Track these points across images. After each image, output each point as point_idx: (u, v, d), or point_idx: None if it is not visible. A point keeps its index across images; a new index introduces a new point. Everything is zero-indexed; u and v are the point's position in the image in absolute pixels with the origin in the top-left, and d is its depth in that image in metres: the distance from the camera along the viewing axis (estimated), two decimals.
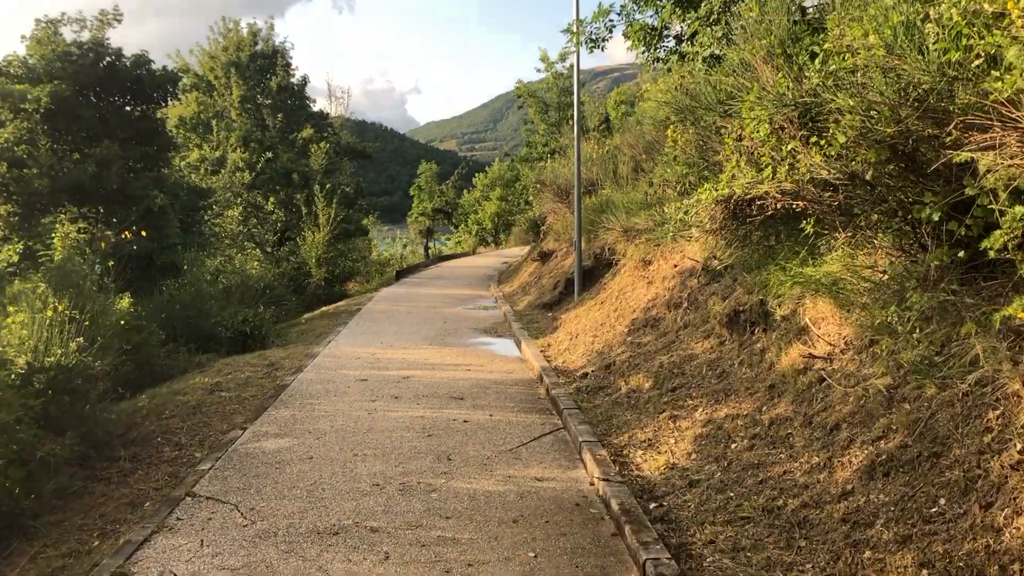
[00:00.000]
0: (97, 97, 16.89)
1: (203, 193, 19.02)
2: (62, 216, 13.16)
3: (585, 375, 10.36)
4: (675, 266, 11.18)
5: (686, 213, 8.26)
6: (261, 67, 28.94)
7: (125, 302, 13.66)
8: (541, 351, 12.66)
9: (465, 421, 8.81)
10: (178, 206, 17.38)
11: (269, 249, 30.04)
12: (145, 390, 13.04)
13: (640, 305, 11.55)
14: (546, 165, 23.89)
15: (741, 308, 8.45)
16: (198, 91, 28.98)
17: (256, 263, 23.34)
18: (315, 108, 31.16)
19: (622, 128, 26.02)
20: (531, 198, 27.08)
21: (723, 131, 8.15)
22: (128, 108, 17.71)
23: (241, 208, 25.99)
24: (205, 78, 29.24)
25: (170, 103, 18.08)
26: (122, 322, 13.39)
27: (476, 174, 70.45)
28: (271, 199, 28.11)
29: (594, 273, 16.82)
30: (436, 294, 23.47)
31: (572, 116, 33.42)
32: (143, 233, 16.32)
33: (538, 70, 34.92)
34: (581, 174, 15.87)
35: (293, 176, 26.65)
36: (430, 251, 51.76)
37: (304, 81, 30.50)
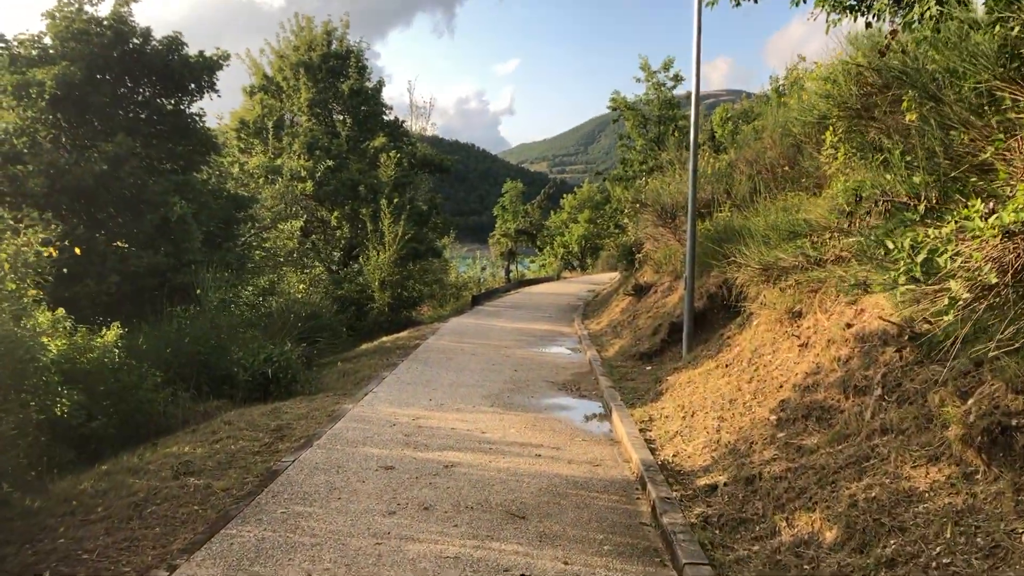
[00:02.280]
0: (117, 84, 14.30)
1: (242, 203, 16.29)
2: (26, 220, 10.47)
3: (712, 489, 6.82)
4: (847, 326, 7.53)
5: (936, 253, 4.62)
6: (333, 68, 26.37)
7: (111, 334, 10.88)
8: (640, 429, 9.17)
9: None
10: (206, 216, 14.62)
11: (335, 267, 27.36)
12: (128, 448, 10.24)
13: (792, 379, 7.93)
14: (646, 183, 20.41)
15: (1013, 422, 4.82)
16: (265, 93, 26.64)
17: (302, 285, 20.56)
18: (391, 117, 28.43)
19: (734, 144, 22.32)
20: (625, 221, 23.60)
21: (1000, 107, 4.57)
22: (158, 100, 15.10)
23: (303, 221, 23.30)
24: (274, 80, 26.87)
25: (208, 96, 15.46)
26: (107, 360, 10.69)
27: (564, 195, 67.39)
28: (335, 213, 25.38)
29: (707, 318, 13.21)
30: (510, 328, 20.16)
31: (679, 125, 29.77)
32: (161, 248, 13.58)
33: (637, 80, 31.58)
34: (696, 192, 12.34)
35: (360, 188, 23.84)
36: (511, 274, 48.65)
37: (380, 86, 27.80)
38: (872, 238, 6.82)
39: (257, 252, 18.33)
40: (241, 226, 16.91)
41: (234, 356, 12.63)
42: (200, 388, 12.44)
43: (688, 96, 35.42)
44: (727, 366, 9.67)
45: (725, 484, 6.75)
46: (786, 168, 17.37)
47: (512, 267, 51.43)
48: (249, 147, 25.59)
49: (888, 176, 6.32)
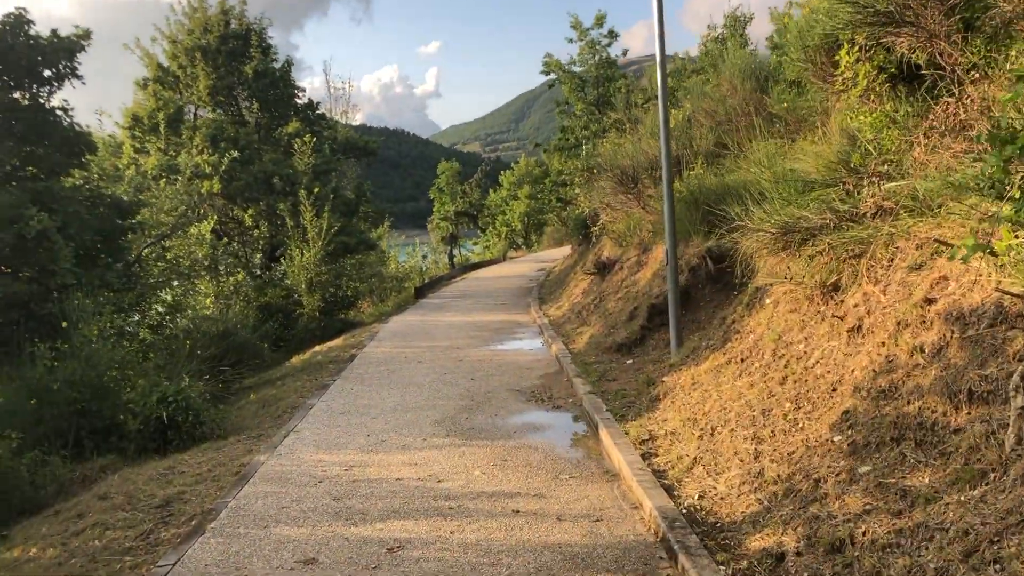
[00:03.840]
0: None
1: (126, 209, 13.58)
2: None
3: (778, 559, 4.68)
4: (927, 301, 5.43)
5: None
6: (233, 50, 23.47)
7: None
8: (643, 455, 7.02)
9: None
10: (77, 229, 11.96)
11: (257, 272, 24.64)
12: None
13: (850, 379, 5.83)
14: (595, 147, 18.22)
15: None
16: (161, 85, 23.61)
17: (208, 299, 17.90)
18: (305, 100, 25.62)
19: (688, 95, 20.24)
20: (576, 191, 21.44)
21: None
22: (6, 92, 12.30)
23: (213, 223, 20.54)
24: (169, 70, 23.84)
25: (70, 83, 12.70)
26: None
27: (502, 171, 65.11)
28: (250, 210, 22.64)
29: (693, 296, 11.14)
30: (460, 323, 17.86)
31: (619, 86, 27.58)
32: (18, 272, 10.93)
33: (570, 40, 29.24)
34: (670, 144, 10.16)
35: (274, 180, 21.16)
36: (455, 259, 46.26)
37: (288, 65, 24.95)
38: (978, 175, 4.72)
39: (156, 265, 15.68)
40: (127, 237, 14.23)
41: (123, 399, 10.13)
42: (81, 444, 9.94)
43: (625, 54, 33.35)
44: (743, 360, 7.54)
45: (797, 552, 4.61)
46: (752, 116, 15.46)
47: (455, 252, 49.05)
48: (144, 146, 22.60)
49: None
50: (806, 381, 6.42)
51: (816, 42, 8.48)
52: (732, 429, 6.56)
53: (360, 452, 8.12)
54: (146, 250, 15.63)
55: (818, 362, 6.48)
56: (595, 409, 8.77)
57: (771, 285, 8.06)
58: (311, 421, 9.64)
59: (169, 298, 16.14)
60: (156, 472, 8.22)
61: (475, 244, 62.38)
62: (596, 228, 18.06)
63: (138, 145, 22.49)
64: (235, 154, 20.65)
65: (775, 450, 5.89)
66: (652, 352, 10.86)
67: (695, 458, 6.55)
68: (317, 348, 17.98)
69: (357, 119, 34.59)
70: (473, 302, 22.54)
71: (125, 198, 14.38)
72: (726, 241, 11.39)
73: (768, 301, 7.94)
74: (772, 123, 13.60)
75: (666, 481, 6.38)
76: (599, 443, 7.91)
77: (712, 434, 6.75)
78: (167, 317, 15.50)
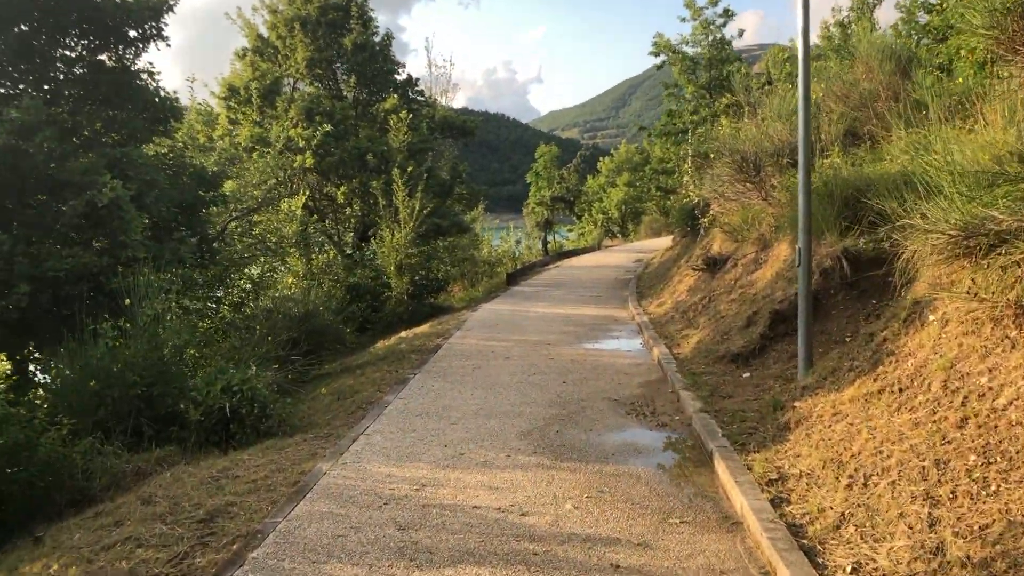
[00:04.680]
0: (27, 33, 10.96)
1: (210, 180, 12.94)
2: None
3: None
4: None
5: None
6: (333, 22, 22.84)
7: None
8: (772, 500, 5.74)
9: None
10: (154, 199, 11.33)
11: (349, 251, 24.09)
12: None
13: None
14: (718, 128, 16.70)
15: None
16: (259, 56, 23.20)
17: (291, 279, 17.23)
18: (404, 76, 24.84)
19: (815, 77, 18.43)
20: (685, 178, 19.95)
21: None
22: (90, 53, 11.77)
23: (305, 199, 19.95)
24: (269, 40, 23.41)
25: (155, 45, 12.10)
26: None
27: (601, 158, 63.58)
28: (342, 188, 22.00)
29: (824, 304, 9.67)
30: (552, 315, 16.72)
31: (736, 68, 25.76)
32: (94, 242, 10.36)
33: (682, 19, 27.49)
34: (809, 123, 8.69)
35: (368, 157, 20.41)
36: (549, 246, 45.08)
37: (388, 39, 24.14)
38: None
39: (241, 240, 15.10)
40: (209, 210, 13.62)
41: (187, 385, 9.41)
42: (140, 432, 9.26)
43: (741, 35, 31.34)
44: (901, 391, 6.12)
45: None
46: (892, 101, 13.76)
47: (549, 238, 47.85)
48: (239, 118, 22.23)
49: None
50: (995, 428, 4.99)
51: (1008, 4, 6.91)
52: (893, 481, 5.19)
53: (434, 467, 7.08)
54: (231, 224, 15.06)
55: (1012, 403, 5.04)
56: (708, 433, 7.48)
57: (936, 299, 6.59)
58: (385, 423, 8.68)
59: (255, 274, 15.56)
60: (209, 475, 7.39)
61: (570, 231, 61.08)
62: (705, 219, 16.59)
63: (233, 116, 22.15)
64: (328, 128, 19.99)
65: (959, 519, 4.52)
66: (773, 366, 9.45)
67: (843, 514, 5.22)
68: (403, 334, 17.17)
69: (458, 102, 33.70)
70: (566, 292, 21.36)
71: (215, 168, 13.76)
72: (866, 241, 9.90)
73: (933, 319, 6.47)
74: (918, 110, 11.95)
75: (805, 541, 5.08)
76: (714, 477, 6.64)
77: (865, 484, 5.38)
78: (250, 295, 14.89)
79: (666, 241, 33.48)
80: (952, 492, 4.72)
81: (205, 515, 6.19)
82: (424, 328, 16.94)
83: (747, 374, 9.49)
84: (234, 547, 5.52)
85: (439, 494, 6.40)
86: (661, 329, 13.68)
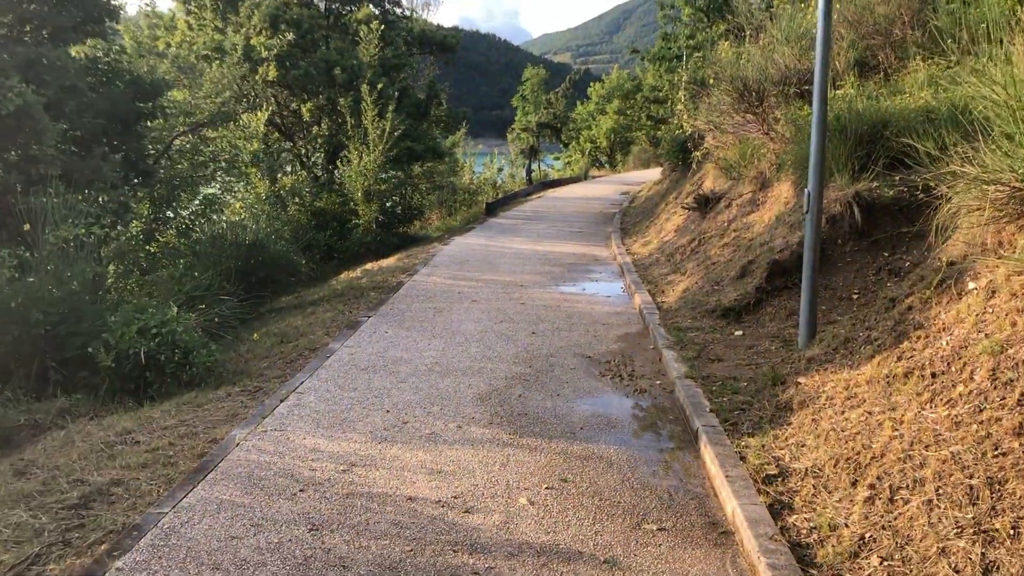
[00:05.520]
0: None
1: (147, 89, 11.40)
2: None
3: None
4: None
5: None
6: None
7: None
8: (772, 506, 4.69)
9: None
10: (76, 109, 9.88)
11: (319, 173, 22.61)
12: None
13: None
14: (718, 51, 15.23)
15: None
16: None
17: (239, 203, 15.79)
18: None
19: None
20: (679, 107, 18.53)
21: None
22: None
23: (268, 113, 18.36)
24: None
25: None
26: None
27: (591, 83, 61.47)
28: (308, 104, 20.38)
29: (831, 257, 8.53)
30: (529, 253, 15.52)
31: None
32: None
33: None
34: (829, 44, 7.36)
35: (335, 72, 18.77)
36: (533, 175, 43.49)
37: None
38: None
39: (189, 158, 13.64)
40: (148, 122, 12.16)
41: (106, 326, 8.20)
42: (47, 377, 8.12)
43: None
44: (934, 376, 5.01)
45: None
46: (909, 28, 12.44)
47: (534, 166, 46.23)
48: (198, 24, 20.40)
49: None
50: None
51: None
52: (930, 500, 4.11)
53: (371, 440, 5.97)
54: (179, 140, 13.61)
55: None
56: (694, 406, 6.39)
57: (976, 261, 5.44)
58: (323, 377, 7.54)
59: (213, 191, 14.16)
60: (106, 438, 6.25)
61: (556, 159, 59.30)
62: (698, 153, 15.29)
63: (192, 22, 20.34)
64: (290, 36, 18.29)
65: (1017, 560, 3.45)
66: (769, 324, 8.35)
67: (863, 537, 4.16)
68: (368, 266, 15.96)
69: (447, 20, 31.51)
70: (547, 226, 20.12)
71: (160, 77, 12.20)
72: (880, 185, 8.72)
73: (974, 287, 5.33)
74: (937, 41, 10.67)
75: (815, 573, 4.02)
76: (700, 466, 5.57)
77: (891, 499, 4.31)
78: (197, 220, 13.55)
79: (654, 173, 32.13)
80: (1014, 528, 3.64)
81: (80, 498, 5.08)
82: (390, 261, 15.72)
83: (739, 332, 8.39)
84: (101, 549, 4.42)
85: (369, 478, 5.31)
86: (644, 273, 12.53)
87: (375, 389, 7.17)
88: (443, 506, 4.92)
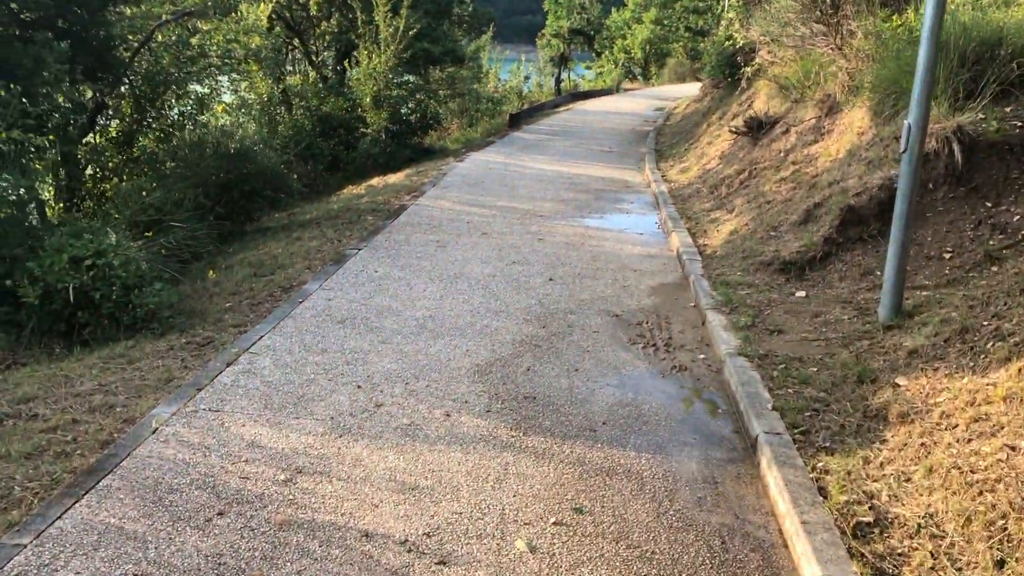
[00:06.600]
0: None
1: None
2: None
3: None
4: None
5: None
6: None
7: None
8: None
9: None
10: None
11: (328, 73, 20.84)
12: None
13: None
14: None
15: None
16: None
17: (221, 106, 14.13)
18: None
19: None
20: (730, 15, 16.47)
21: None
22: None
23: (274, 5, 16.54)
24: None
25: None
26: None
27: None
28: None
29: (918, 203, 6.92)
30: (552, 174, 13.88)
31: None
32: None
33: None
34: None
35: None
36: (562, 85, 41.11)
37: None
38: None
39: (171, 52, 12.02)
40: (117, 8, 10.50)
41: (40, 252, 6.81)
42: None
43: None
44: None
45: None
46: None
47: (564, 75, 43.73)
48: None
49: None
50: None
51: None
52: None
53: (330, 431, 4.60)
54: (161, 33, 11.98)
55: None
56: (750, 398, 4.94)
57: None
58: (288, 332, 6.14)
59: (205, 91, 12.59)
60: (11, 399, 4.94)
61: (588, 68, 56.37)
62: (749, 69, 13.41)
63: None
64: None
65: None
66: (839, 285, 6.80)
67: None
68: (374, 181, 14.44)
69: None
70: (574, 144, 18.36)
71: None
72: (989, 118, 7.03)
73: None
74: None
75: None
76: (764, 492, 4.16)
77: None
78: (177, 123, 12.00)
79: (692, 89, 29.93)
80: None
81: None
82: (398, 177, 14.16)
83: (802, 293, 6.86)
84: None
85: (317, 496, 3.95)
86: (683, 206, 10.91)
87: (348, 352, 5.76)
88: (410, 550, 3.56)
